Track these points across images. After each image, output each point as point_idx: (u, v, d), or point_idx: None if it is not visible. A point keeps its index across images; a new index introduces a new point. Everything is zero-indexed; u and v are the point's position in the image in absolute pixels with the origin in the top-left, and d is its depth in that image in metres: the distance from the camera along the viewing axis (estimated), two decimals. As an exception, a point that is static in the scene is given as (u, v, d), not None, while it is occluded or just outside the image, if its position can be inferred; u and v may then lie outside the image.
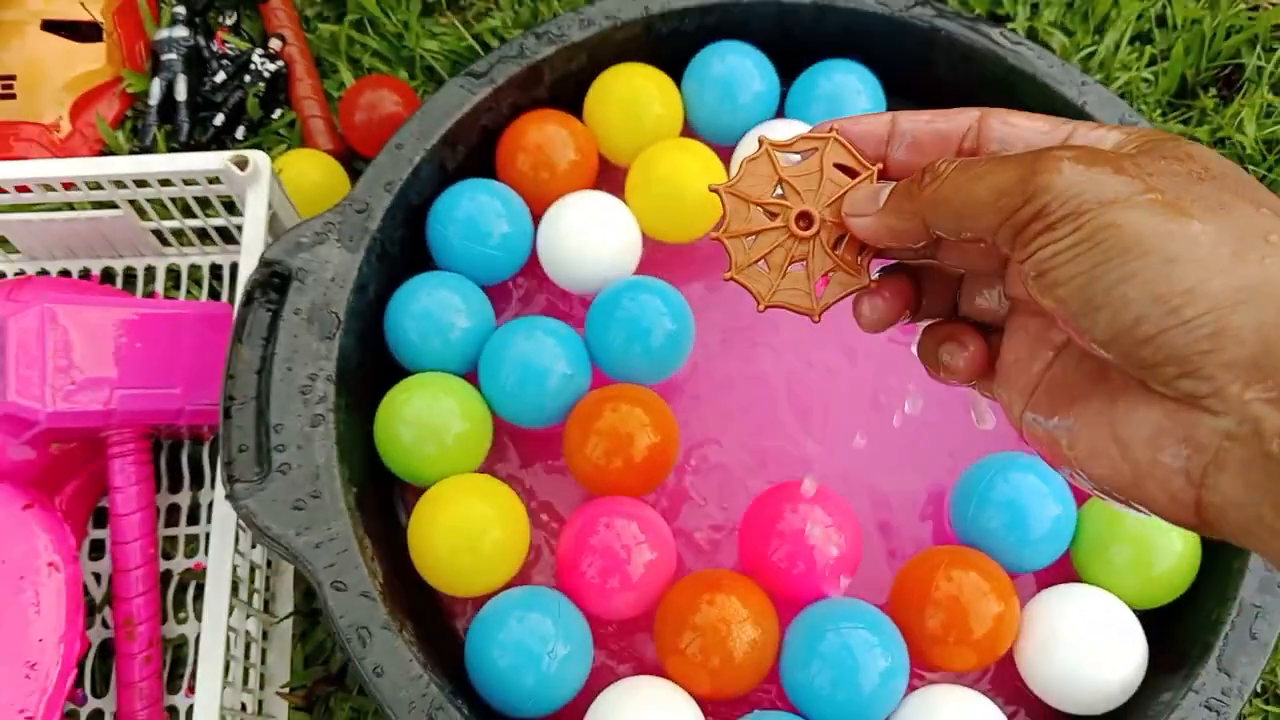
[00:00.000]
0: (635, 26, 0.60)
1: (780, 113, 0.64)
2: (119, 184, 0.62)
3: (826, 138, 0.30)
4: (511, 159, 0.59)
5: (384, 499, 0.54)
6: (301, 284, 0.51)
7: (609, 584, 0.49)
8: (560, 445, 0.54)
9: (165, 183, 0.63)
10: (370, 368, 0.54)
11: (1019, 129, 0.27)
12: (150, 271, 0.70)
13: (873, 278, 0.30)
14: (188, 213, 0.67)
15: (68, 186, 0.62)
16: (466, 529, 0.49)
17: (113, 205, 0.65)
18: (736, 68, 0.61)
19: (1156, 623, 0.50)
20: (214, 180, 0.62)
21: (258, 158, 0.61)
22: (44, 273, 0.70)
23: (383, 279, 0.55)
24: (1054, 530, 0.50)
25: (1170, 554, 0.49)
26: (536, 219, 0.59)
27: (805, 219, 0.30)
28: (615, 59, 0.61)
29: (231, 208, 0.66)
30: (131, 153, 0.73)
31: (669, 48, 0.61)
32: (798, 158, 0.30)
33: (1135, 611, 0.49)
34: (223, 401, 0.50)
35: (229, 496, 0.47)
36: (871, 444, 0.57)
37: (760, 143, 0.30)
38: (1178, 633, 0.49)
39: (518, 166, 0.59)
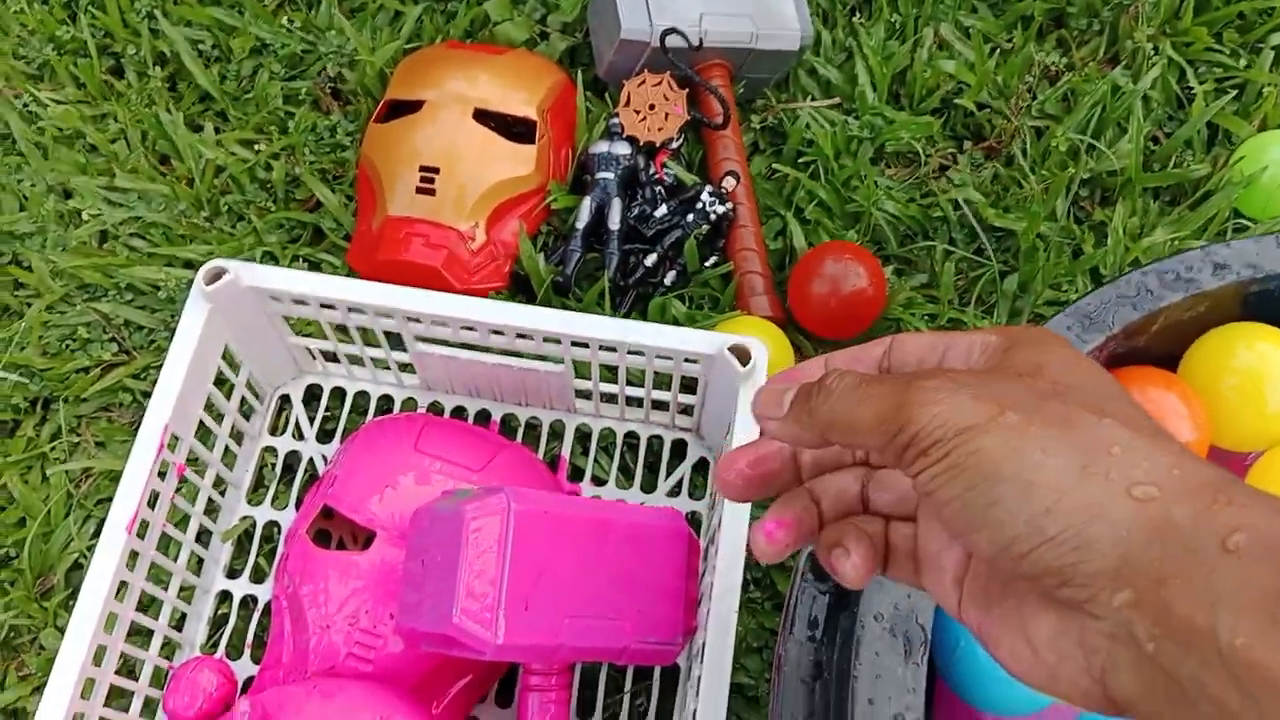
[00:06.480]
0: (1272, 281, 0.47)
1: None
2: (580, 343, 0.52)
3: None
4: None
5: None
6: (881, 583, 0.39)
7: None
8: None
9: (634, 351, 0.52)
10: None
11: (909, 350, 0.29)
12: (557, 427, 0.60)
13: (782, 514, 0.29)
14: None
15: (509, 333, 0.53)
16: None
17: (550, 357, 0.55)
18: None
19: None
20: (691, 360, 0.52)
21: (759, 353, 0.50)
22: (437, 407, 0.61)
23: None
24: None
25: None
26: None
27: None
28: (1232, 316, 0.48)
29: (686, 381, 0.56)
30: (554, 281, 0.63)
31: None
32: None
33: None
34: None
35: None
36: None
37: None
38: None
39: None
